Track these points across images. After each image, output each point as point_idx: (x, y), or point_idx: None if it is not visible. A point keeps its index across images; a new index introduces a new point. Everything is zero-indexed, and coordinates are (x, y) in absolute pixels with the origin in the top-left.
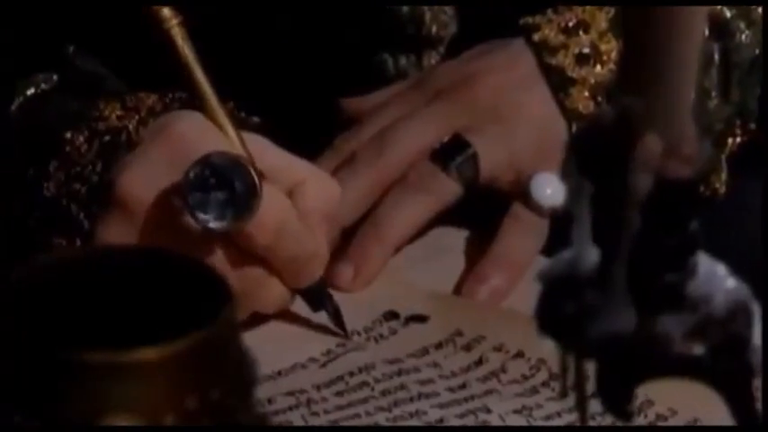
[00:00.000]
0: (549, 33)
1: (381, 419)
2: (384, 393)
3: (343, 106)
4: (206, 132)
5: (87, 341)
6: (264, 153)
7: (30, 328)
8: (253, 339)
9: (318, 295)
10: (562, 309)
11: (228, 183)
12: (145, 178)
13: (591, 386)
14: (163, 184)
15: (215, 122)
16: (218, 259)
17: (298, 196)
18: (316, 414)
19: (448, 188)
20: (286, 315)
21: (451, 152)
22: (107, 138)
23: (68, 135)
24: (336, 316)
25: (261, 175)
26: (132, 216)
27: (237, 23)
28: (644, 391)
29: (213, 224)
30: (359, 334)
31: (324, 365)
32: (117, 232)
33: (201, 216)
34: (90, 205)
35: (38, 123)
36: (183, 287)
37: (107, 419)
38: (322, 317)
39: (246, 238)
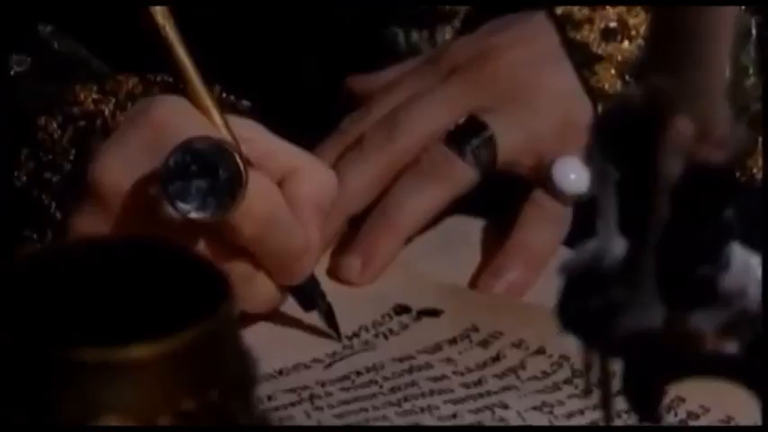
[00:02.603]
0: (573, 6)
1: (390, 414)
2: (393, 390)
3: (351, 84)
4: (188, 117)
5: (78, 338)
6: (255, 138)
7: (19, 324)
8: (253, 338)
9: (310, 293)
10: (586, 304)
11: (211, 169)
12: (122, 165)
13: (616, 383)
14: (141, 171)
15: (199, 106)
16: (202, 252)
17: (289, 185)
18: (320, 409)
19: (463, 174)
20: (287, 315)
21: (467, 135)
22: (81, 123)
23: (41, 121)
24: (329, 316)
25: (248, 161)
26: (108, 206)
27: None
28: (674, 388)
29: (194, 214)
30: (367, 330)
31: (329, 366)
32: (92, 223)
33: (182, 206)
34: (62, 195)
35: (9, 108)
36: (180, 281)
37: (98, 421)
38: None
39: (231, 230)
